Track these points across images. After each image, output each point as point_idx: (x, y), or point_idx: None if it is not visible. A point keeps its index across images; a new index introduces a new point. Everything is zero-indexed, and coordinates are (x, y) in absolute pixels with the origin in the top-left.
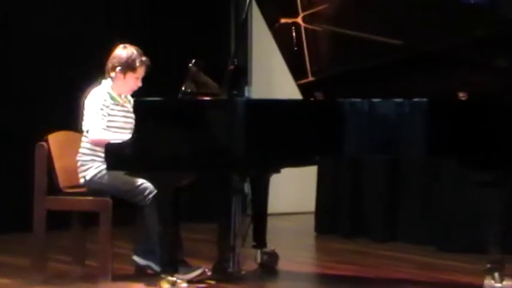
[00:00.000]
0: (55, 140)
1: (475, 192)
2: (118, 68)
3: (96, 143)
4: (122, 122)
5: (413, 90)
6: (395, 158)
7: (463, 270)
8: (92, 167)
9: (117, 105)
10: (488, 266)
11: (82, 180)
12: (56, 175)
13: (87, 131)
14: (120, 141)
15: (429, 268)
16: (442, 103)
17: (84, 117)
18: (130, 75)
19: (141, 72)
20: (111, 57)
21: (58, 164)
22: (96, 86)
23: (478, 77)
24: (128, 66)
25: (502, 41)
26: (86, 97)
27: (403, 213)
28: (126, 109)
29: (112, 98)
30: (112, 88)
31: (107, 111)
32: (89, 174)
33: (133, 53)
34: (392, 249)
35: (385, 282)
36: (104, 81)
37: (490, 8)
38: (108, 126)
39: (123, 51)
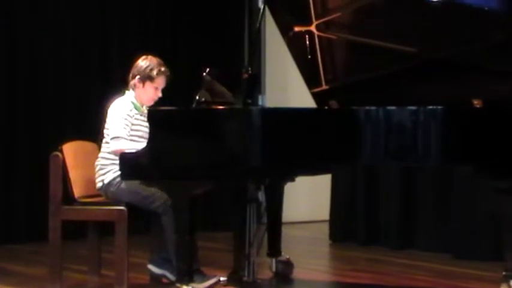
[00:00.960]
0: (69, 150)
1: (491, 199)
2: (137, 78)
3: (117, 153)
4: (144, 131)
5: (428, 98)
6: (410, 165)
7: (479, 277)
8: (111, 170)
9: (141, 115)
10: (504, 273)
11: (100, 184)
12: (70, 185)
13: (111, 140)
14: (134, 150)
15: (445, 276)
16: (457, 110)
17: (108, 126)
18: (149, 85)
19: (160, 82)
20: (132, 68)
21: (73, 174)
22: (119, 96)
23: (493, 84)
24: (146, 76)
25: None
26: (107, 107)
27: (418, 221)
28: None
29: (136, 107)
30: (135, 98)
31: (131, 121)
32: (107, 178)
33: (152, 63)
34: (408, 257)
35: None
36: (127, 91)
37: (504, 14)
38: (131, 135)
39: (143, 62)
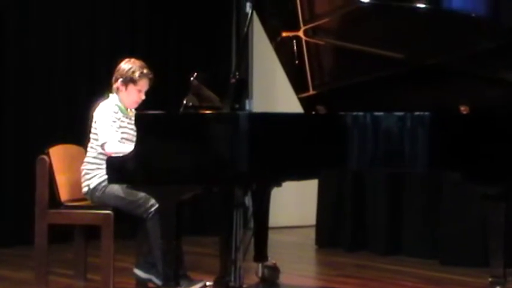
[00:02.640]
0: (56, 153)
1: (478, 205)
2: (120, 80)
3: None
4: (130, 134)
5: (415, 104)
6: (397, 171)
7: (466, 283)
8: (96, 175)
9: (126, 117)
10: (490, 279)
11: (85, 189)
12: (57, 188)
13: (103, 144)
14: (121, 154)
15: (432, 282)
16: (444, 117)
17: (98, 130)
18: (132, 88)
19: (142, 85)
20: (115, 71)
21: (59, 178)
22: (103, 99)
23: (480, 90)
24: (128, 78)
25: (504, 53)
26: (92, 111)
27: (406, 227)
28: (133, 121)
29: (121, 110)
30: (120, 101)
31: (119, 124)
32: (93, 183)
33: (134, 65)
34: (395, 263)
35: None
36: (111, 94)
37: (491, 21)
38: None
39: (125, 65)
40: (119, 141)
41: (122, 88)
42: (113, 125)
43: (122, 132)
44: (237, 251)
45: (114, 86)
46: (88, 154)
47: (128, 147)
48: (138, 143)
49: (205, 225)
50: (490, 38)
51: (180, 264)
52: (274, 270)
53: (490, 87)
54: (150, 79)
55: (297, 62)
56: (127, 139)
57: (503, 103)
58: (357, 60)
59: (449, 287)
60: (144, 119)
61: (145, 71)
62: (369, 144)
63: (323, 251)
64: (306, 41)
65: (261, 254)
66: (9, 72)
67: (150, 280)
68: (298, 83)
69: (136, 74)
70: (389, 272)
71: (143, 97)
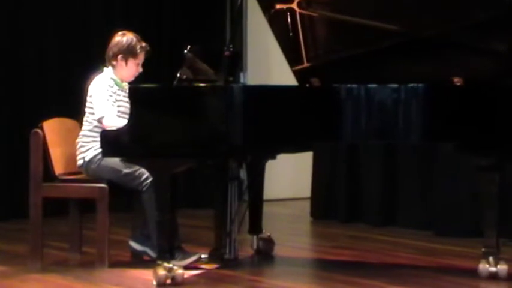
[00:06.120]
0: (50, 127)
1: (472, 176)
2: (119, 56)
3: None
4: (126, 107)
5: (410, 76)
6: (391, 143)
7: (460, 254)
8: (92, 147)
9: (122, 90)
10: (483, 249)
11: (81, 162)
12: (51, 162)
13: (100, 118)
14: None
15: (426, 252)
16: (438, 88)
17: (94, 105)
18: (131, 62)
19: (141, 58)
20: (110, 45)
21: (53, 151)
22: (98, 73)
23: (474, 62)
24: (128, 52)
25: (498, 25)
26: (87, 84)
27: (400, 198)
28: None
29: (117, 83)
30: (115, 74)
31: (115, 97)
32: (88, 155)
33: (133, 39)
34: (389, 234)
35: (383, 267)
36: (105, 68)
37: None
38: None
39: (123, 38)
40: (115, 115)
41: (122, 63)
42: (109, 99)
43: (118, 106)
44: (232, 223)
45: (112, 60)
46: (84, 127)
47: (122, 121)
48: (132, 116)
49: (200, 198)
50: (484, 10)
51: (175, 237)
52: (269, 242)
53: (483, 58)
54: (147, 52)
55: (291, 34)
56: (123, 112)
57: (496, 74)
58: (351, 33)
59: (444, 257)
60: (138, 92)
61: (143, 44)
62: (363, 116)
63: (318, 222)
64: (299, 13)
65: (255, 227)
66: (1, 45)
67: (145, 252)
68: (292, 56)
69: (137, 48)
70: (383, 244)
71: (141, 70)
